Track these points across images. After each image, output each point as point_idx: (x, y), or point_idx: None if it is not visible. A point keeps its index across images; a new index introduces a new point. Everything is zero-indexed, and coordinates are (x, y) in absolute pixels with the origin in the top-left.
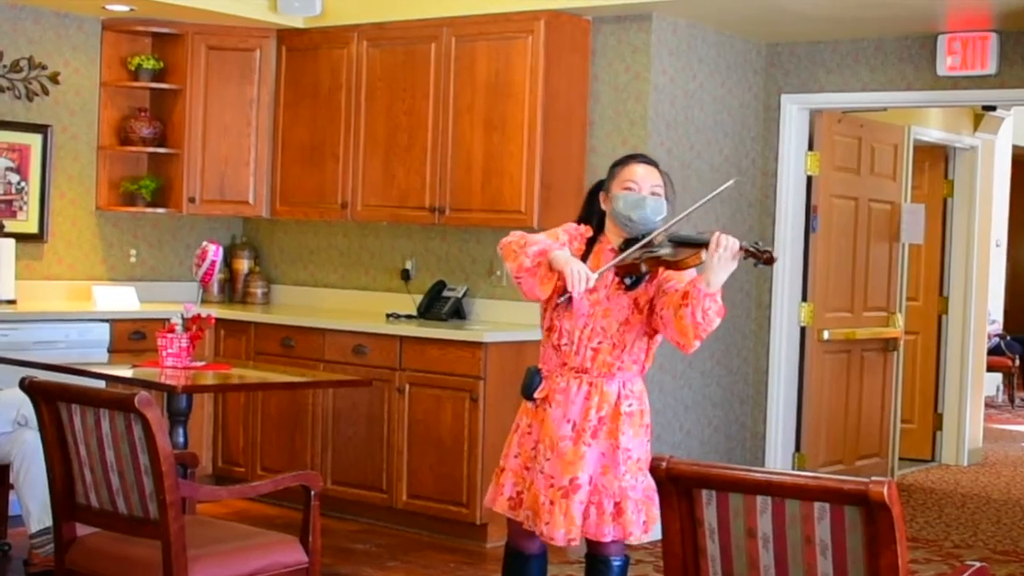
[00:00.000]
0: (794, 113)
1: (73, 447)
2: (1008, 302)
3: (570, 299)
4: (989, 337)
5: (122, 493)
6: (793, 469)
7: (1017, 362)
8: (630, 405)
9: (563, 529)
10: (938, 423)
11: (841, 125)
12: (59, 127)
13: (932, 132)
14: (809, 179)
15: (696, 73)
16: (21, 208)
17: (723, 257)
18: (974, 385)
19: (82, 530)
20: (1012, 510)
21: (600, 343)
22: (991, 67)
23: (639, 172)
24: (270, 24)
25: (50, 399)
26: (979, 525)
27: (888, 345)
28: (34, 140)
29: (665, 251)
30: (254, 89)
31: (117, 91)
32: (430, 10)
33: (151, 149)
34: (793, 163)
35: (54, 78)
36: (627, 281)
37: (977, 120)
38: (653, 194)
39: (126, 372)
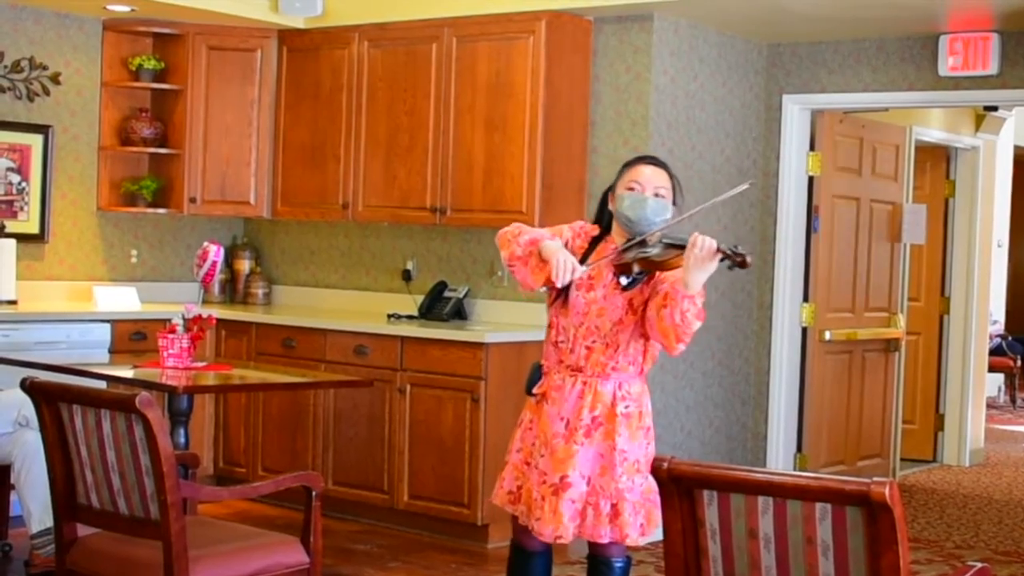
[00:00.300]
0: (795, 113)
1: (74, 448)
2: (1010, 302)
3: (559, 291)
4: (991, 337)
5: (123, 494)
6: (794, 470)
7: (1019, 362)
8: (627, 407)
9: (551, 526)
10: (939, 424)
11: (843, 125)
12: (60, 127)
13: (933, 132)
14: (810, 179)
15: (697, 73)
16: (22, 208)
17: (699, 258)
18: (975, 385)
19: (83, 531)
20: (1014, 511)
21: (594, 342)
22: (992, 67)
23: (645, 173)
24: (271, 24)
25: (51, 400)
26: (981, 526)
27: (889, 345)
28: (35, 140)
29: (655, 251)
30: (255, 89)
31: (118, 91)
32: (431, 10)
33: (152, 149)
34: (794, 163)
35: (55, 78)
36: (623, 281)
37: (979, 120)
38: (656, 195)
39: (127, 373)
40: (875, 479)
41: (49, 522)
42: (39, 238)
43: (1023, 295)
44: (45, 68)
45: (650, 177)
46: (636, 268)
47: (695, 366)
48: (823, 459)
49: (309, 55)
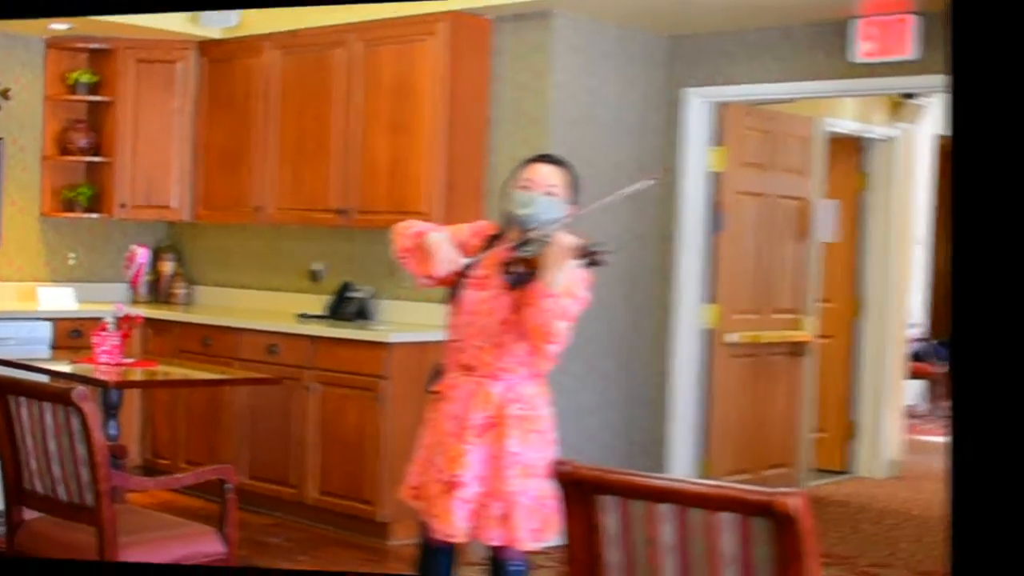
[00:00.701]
0: (696, 107)
1: (20, 437)
2: (933, 305)
3: (454, 290)
4: (911, 342)
5: (62, 481)
6: (698, 477)
7: (941, 368)
8: (520, 408)
9: (444, 524)
10: (852, 432)
11: (749, 118)
12: (10, 139)
13: (847, 123)
14: (715, 175)
15: (598, 69)
16: None
17: (555, 255)
18: (892, 392)
19: (29, 515)
20: (935, 527)
21: (483, 342)
22: (911, 52)
23: (539, 171)
24: (192, 37)
25: (0, 392)
26: (898, 543)
27: (797, 349)
28: None
29: (530, 249)
30: (177, 99)
31: (58, 104)
32: (339, 16)
33: (88, 158)
34: (696, 159)
35: (5, 94)
36: (509, 280)
37: (894, 108)
38: (548, 193)
39: (66, 368)
40: (782, 490)
41: (0, 505)
42: None
43: (947, 297)
44: None
45: (545, 175)
46: (515, 267)
47: (595, 368)
48: (728, 467)
49: (226, 65)
